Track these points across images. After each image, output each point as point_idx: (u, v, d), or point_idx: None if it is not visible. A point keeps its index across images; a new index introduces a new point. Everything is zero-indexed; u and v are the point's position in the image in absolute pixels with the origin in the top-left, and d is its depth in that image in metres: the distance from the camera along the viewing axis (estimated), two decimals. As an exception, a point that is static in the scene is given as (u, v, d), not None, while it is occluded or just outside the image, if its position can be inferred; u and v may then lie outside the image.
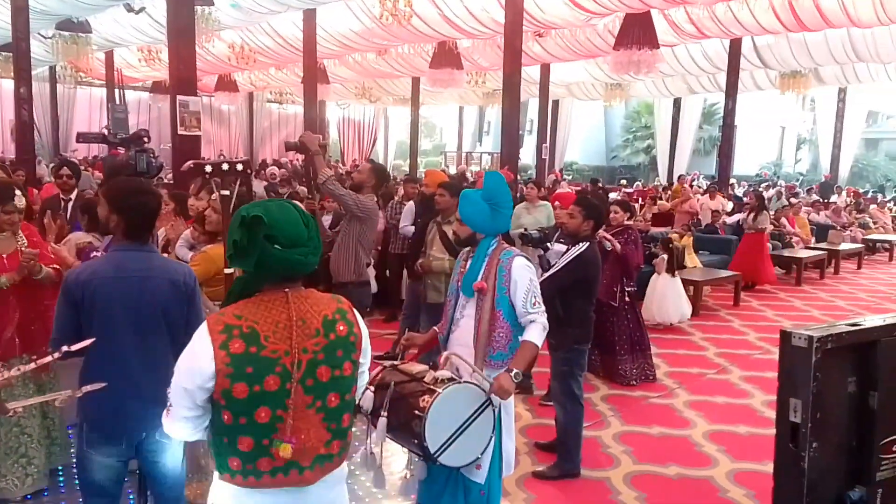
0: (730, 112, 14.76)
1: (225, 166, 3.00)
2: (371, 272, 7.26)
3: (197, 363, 1.72)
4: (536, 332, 2.90)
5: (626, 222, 5.76)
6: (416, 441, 2.45)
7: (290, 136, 20.49)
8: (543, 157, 15.63)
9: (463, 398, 2.56)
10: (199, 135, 7.95)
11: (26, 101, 10.46)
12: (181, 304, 2.52)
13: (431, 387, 2.50)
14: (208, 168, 3.00)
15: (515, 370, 2.74)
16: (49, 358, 2.03)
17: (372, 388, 2.16)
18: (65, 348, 2.08)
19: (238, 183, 3.11)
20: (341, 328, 1.86)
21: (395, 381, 2.28)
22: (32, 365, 2.01)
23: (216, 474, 1.85)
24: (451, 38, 13.98)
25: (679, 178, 17.97)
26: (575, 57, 15.46)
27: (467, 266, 3.05)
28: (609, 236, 5.39)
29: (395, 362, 2.58)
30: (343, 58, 17.28)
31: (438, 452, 2.48)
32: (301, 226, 1.80)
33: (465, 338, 2.96)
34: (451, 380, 2.61)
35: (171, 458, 2.61)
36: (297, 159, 20.21)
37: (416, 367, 2.73)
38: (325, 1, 12.26)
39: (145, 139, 3.11)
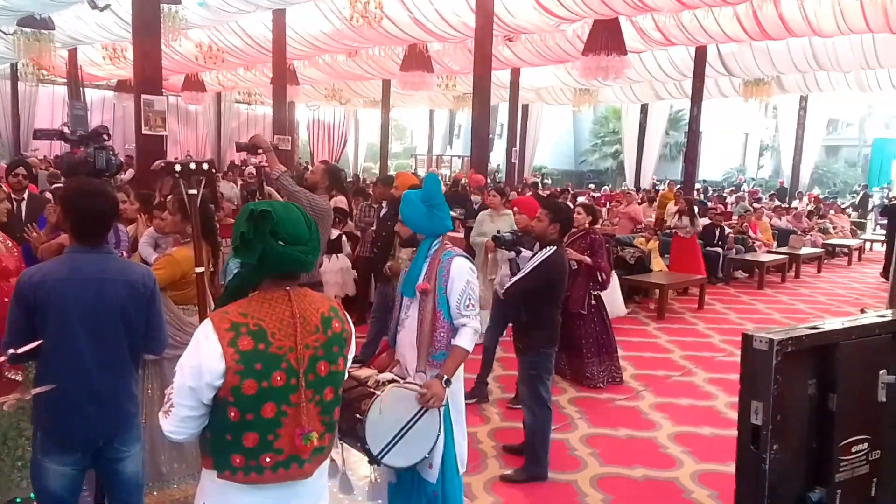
0: (695, 118, 15.02)
1: (192, 165, 2.99)
2: (352, 274, 7.25)
3: (205, 361, 1.74)
4: (467, 337, 2.91)
5: (587, 226, 5.81)
6: (360, 444, 2.54)
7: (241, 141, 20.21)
8: (513, 160, 15.72)
9: (403, 400, 2.63)
10: (165, 135, 7.83)
11: (-15, 98, 10.17)
12: (140, 307, 2.45)
13: (372, 390, 2.58)
14: (178, 167, 2.99)
15: (446, 376, 2.79)
16: None
17: None
18: (11, 351, 2.00)
19: (203, 184, 3.07)
20: (336, 325, 1.94)
21: (343, 387, 2.29)
22: None
23: (211, 474, 1.85)
24: (421, 41, 13.98)
25: (669, 182, 17.96)
26: (544, 62, 15.59)
27: (409, 267, 3.08)
28: (577, 255, 5.43)
29: (356, 366, 2.62)
30: (313, 59, 17.17)
31: (381, 454, 2.57)
32: (304, 226, 1.87)
33: (410, 337, 2.98)
34: (391, 382, 2.68)
35: (131, 466, 2.53)
36: (260, 160, 19.96)
37: (365, 372, 2.78)
38: (295, 1, 12.16)
39: (105, 136, 3.03)
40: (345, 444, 2.62)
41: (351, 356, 2.05)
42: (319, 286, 4.86)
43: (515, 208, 5.18)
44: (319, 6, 13.10)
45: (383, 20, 11.61)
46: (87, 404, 2.36)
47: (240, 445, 1.79)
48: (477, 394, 5.18)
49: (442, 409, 2.77)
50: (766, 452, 2.10)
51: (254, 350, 1.76)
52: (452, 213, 8.69)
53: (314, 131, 28.33)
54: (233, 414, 1.77)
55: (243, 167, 15.90)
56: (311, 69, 18.20)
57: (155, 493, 3.37)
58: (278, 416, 1.80)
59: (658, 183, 22.54)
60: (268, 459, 1.81)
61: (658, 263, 9.22)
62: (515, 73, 16.98)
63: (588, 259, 5.54)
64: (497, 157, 23.65)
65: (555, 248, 3.96)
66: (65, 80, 19.82)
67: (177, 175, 2.97)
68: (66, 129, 3.15)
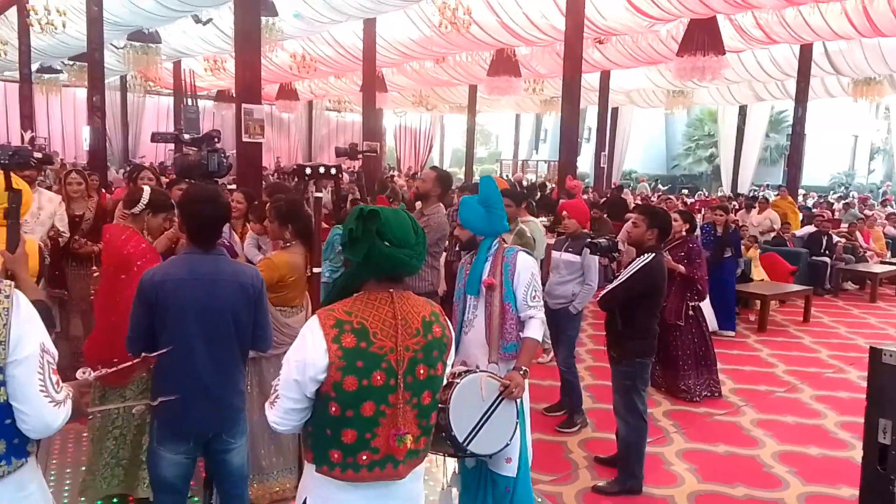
0: (799, 120, 14.27)
1: (321, 169, 3.19)
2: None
3: (310, 356, 1.79)
4: (537, 328, 3.05)
5: (684, 234, 5.60)
6: (444, 434, 2.56)
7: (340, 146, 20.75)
8: (602, 165, 15.42)
9: (479, 388, 2.69)
10: (262, 141, 8.14)
11: (99, 109, 10.91)
12: (249, 306, 2.56)
13: (449, 380, 2.60)
14: (308, 170, 3.21)
15: (524, 368, 2.93)
16: (129, 363, 2.11)
17: None
18: (144, 355, 2.17)
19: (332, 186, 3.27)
20: (437, 329, 1.95)
21: None
22: (115, 368, 2.07)
23: (311, 468, 1.91)
24: (509, 45, 13.96)
25: (780, 188, 17.06)
26: (636, 63, 15.23)
27: (470, 268, 3.17)
28: (672, 264, 5.24)
29: None
30: (401, 66, 17.48)
31: (467, 440, 2.60)
32: (410, 230, 1.90)
33: (479, 335, 3.08)
34: (466, 372, 2.76)
35: (237, 458, 2.66)
36: (354, 165, 20.50)
37: None
38: (385, 10, 12.42)
39: (216, 139, 3.20)
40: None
41: (450, 362, 2.06)
42: (435, 295, 4.84)
43: (564, 212, 4.98)
44: (409, 14, 13.34)
45: (471, 26, 11.67)
46: (200, 398, 2.48)
47: (339, 441, 1.83)
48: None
49: (518, 401, 2.86)
50: (895, 473, 1.96)
51: (356, 348, 1.80)
52: (543, 221, 8.60)
53: (401, 137, 28.84)
54: (333, 409, 1.81)
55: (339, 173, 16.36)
56: (399, 76, 18.55)
57: (255, 486, 3.48)
58: (376, 415, 1.83)
59: (755, 189, 21.50)
60: (364, 457, 1.84)
61: (759, 273, 8.79)
62: (605, 76, 16.67)
63: (682, 268, 5.35)
64: (585, 162, 23.25)
65: (653, 254, 3.83)
66: (169, 91, 21.06)
67: (307, 177, 3.16)
68: (179, 133, 3.34)
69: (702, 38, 10.94)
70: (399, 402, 1.84)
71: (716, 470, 4.32)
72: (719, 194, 19.23)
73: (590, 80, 16.40)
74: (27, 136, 11.92)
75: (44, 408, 1.64)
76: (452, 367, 2.89)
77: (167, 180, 5.76)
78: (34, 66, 15.56)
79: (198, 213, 2.50)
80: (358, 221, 1.86)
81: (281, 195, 3.80)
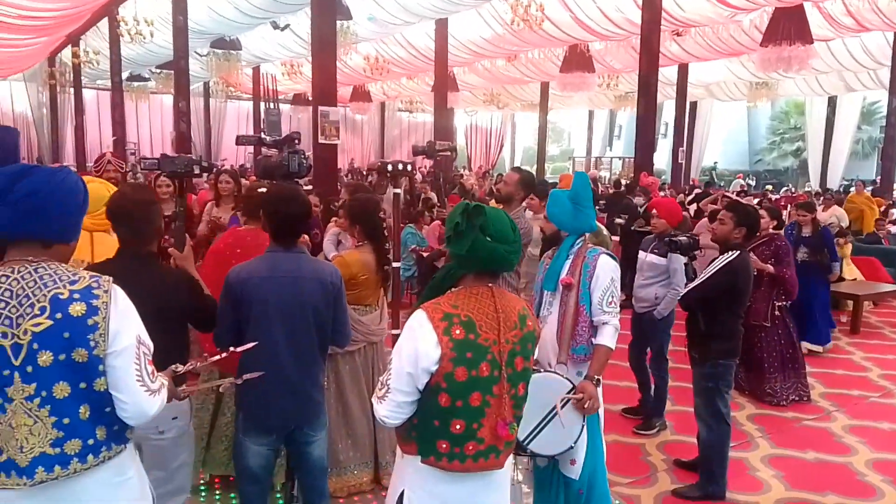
0: (894, 111, 13.44)
1: (400, 166, 3.30)
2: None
3: (422, 347, 1.87)
4: (610, 335, 2.95)
5: (771, 231, 5.36)
6: None
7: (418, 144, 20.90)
8: (680, 161, 14.97)
9: (545, 387, 2.63)
10: (338, 143, 8.32)
11: (185, 114, 11.44)
12: (329, 303, 2.62)
13: None
14: (389, 167, 3.31)
15: (597, 377, 2.84)
16: (219, 356, 2.20)
17: None
18: (232, 349, 2.26)
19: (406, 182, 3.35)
20: (530, 323, 2.03)
21: None
22: (211, 359, 2.19)
23: (413, 460, 1.97)
24: (583, 41, 13.74)
25: (857, 184, 16.20)
26: (716, 55, 14.73)
27: (550, 263, 3.12)
28: (760, 263, 5.02)
29: None
30: (472, 65, 17.49)
31: (528, 440, 2.57)
32: (510, 227, 1.98)
33: (552, 332, 3.02)
34: (532, 370, 2.66)
35: (317, 450, 2.74)
36: (425, 166, 20.68)
37: None
38: (458, 10, 12.46)
39: (297, 141, 3.29)
40: None
41: (534, 357, 2.11)
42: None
43: (654, 211, 4.77)
44: (480, 13, 13.34)
45: (544, 22, 11.55)
46: (282, 392, 2.56)
47: (447, 432, 1.89)
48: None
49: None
50: None
51: (465, 339, 1.87)
52: (618, 220, 8.42)
53: (471, 136, 28.87)
54: (443, 400, 1.87)
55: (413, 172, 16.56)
56: (470, 75, 18.59)
57: (333, 479, 3.55)
58: (483, 405, 1.89)
59: (846, 183, 20.38)
60: (471, 447, 1.90)
61: (851, 271, 8.31)
62: (683, 69, 16.19)
63: (771, 268, 5.12)
64: (661, 158, 22.64)
65: (738, 252, 3.69)
66: (249, 97, 21.84)
67: (388, 174, 3.24)
68: (262, 135, 3.46)
69: (788, 27, 10.47)
70: (503, 392, 1.91)
71: (804, 477, 4.12)
72: (806, 190, 18.32)
73: (667, 74, 15.95)
74: (112, 140, 12.63)
75: (140, 396, 1.72)
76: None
77: (247, 182, 5.94)
78: (124, 75, 16.40)
79: (279, 211, 2.57)
80: (463, 216, 1.93)
81: (360, 195, 3.86)
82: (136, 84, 19.79)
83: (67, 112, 19.47)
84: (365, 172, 20.38)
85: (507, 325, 1.93)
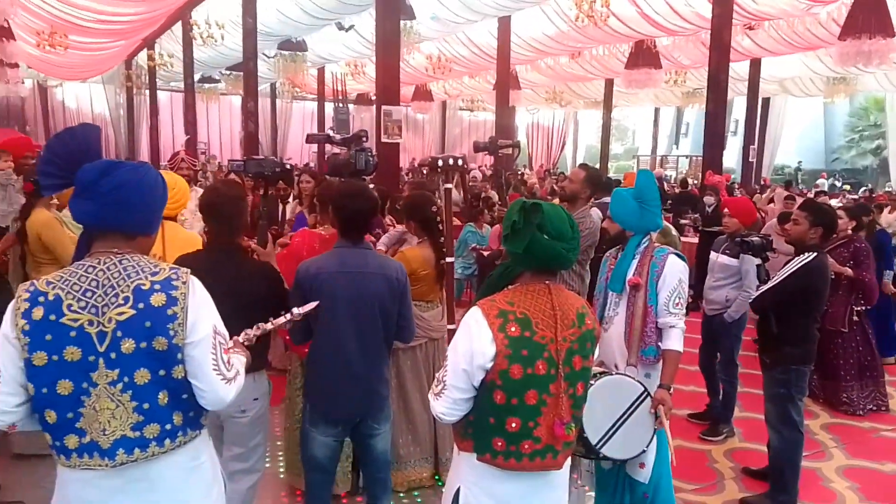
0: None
1: (451, 161, 3.33)
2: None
3: (478, 345, 1.87)
4: (677, 339, 2.89)
5: (850, 232, 5.12)
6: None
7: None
8: (751, 159, 14.45)
9: (616, 390, 2.61)
10: (400, 142, 8.38)
11: (253, 114, 11.74)
12: (394, 298, 2.66)
13: None
14: (440, 162, 3.34)
15: (670, 385, 2.80)
16: (283, 319, 2.25)
17: None
18: (295, 310, 2.30)
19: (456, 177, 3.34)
20: (589, 322, 1.99)
21: None
22: (270, 325, 2.21)
23: (469, 457, 1.96)
24: (650, 36, 13.42)
25: None
26: (791, 50, 14.11)
27: (615, 263, 3.05)
28: (838, 266, 4.81)
29: None
30: (535, 63, 17.34)
31: (600, 444, 2.53)
32: (567, 225, 1.96)
33: (618, 336, 2.97)
34: (602, 373, 2.68)
35: (381, 443, 2.78)
36: (486, 164, 20.62)
37: None
38: (521, 7, 12.36)
39: (364, 139, 3.35)
40: None
41: (594, 356, 2.06)
42: None
43: (726, 210, 4.62)
44: (544, 10, 13.20)
45: (610, 18, 11.33)
46: (348, 385, 2.62)
47: (503, 429, 1.88)
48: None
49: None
50: None
51: (521, 337, 1.85)
52: (684, 220, 8.17)
53: (533, 135, 28.62)
54: (499, 397, 1.86)
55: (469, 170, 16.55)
56: (532, 73, 18.42)
57: (394, 473, 3.58)
58: (539, 404, 1.87)
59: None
60: (527, 446, 1.89)
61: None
62: (755, 64, 15.57)
63: (850, 271, 4.89)
64: (731, 157, 21.91)
65: (815, 253, 3.53)
66: (314, 96, 22.27)
67: (439, 169, 3.29)
68: (331, 133, 3.53)
69: (868, 19, 9.93)
70: (560, 391, 1.88)
71: (882, 490, 3.94)
72: (886, 190, 17.40)
73: (738, 70, 15.40)
74: (184, 139, 13.04)
75: (217, 384, 1.79)
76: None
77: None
78: (196, 77, 16.96)
79: (346, 206, 2.63)
80: (521, 214, 1.92)
81: (415, 191, 3.90)
82: (206, 86, 20.45)
83: (143, 113, 20.29)
84: (413, 169, 20.49)
85: (565, 322, 1.91)
